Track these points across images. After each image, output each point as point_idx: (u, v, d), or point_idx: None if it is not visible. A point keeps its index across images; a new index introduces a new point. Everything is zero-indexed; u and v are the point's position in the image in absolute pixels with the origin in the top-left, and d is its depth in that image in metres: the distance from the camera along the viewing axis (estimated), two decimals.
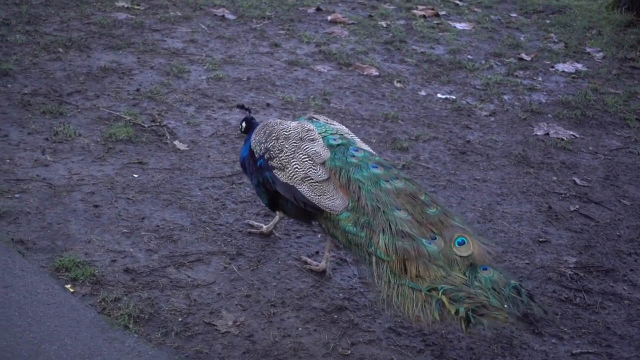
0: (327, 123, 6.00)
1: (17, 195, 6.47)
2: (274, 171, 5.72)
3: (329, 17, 12.36)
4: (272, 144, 5.80)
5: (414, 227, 5.16)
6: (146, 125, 7.89)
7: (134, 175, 7.00)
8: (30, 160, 7.05)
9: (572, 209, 7.25)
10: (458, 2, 14.38)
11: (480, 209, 7.10)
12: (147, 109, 8.29)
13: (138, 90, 8.80)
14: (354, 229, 5.30)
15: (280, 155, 5.70)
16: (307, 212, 5.66)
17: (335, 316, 5.43)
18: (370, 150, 5.83)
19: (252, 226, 6.46)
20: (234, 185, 6.96)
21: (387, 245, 5.08)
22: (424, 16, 13.14)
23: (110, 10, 11.54)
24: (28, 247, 5.80)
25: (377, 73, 10.16)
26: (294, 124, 5.93)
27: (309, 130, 5.80)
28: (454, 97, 9.66)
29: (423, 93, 9.71)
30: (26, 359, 4.70)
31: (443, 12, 13.49)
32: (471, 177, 7.68)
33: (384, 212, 5.24)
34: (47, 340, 4.85)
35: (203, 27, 11.30)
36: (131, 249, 5.90)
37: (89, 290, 5.38)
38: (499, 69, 10.91)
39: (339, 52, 10.75)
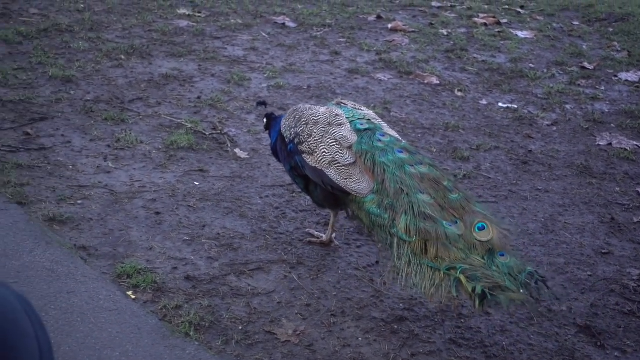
0: (355, 108, 6.13)
1: (79, 202, 6.53)
2: (303, 155, 5.88)
3: (390, 25, 12.33)
4: (301, 128, 5.96)
5: (436, 210, 5.29)
6: (207, 133, 7.93)
7: (195, 182, 7.03)
8: (92, 167, 7.11)
9: (635, 220, 7.16)
10: (520, 10, 14.29)
11: (542, 219, 7.03)
12: (208, 116, 8.33)
13: (199, 97, 8.85)
14: (378, 210, 5.45)
15: (309, 139, 5.86)
16: (335, 196, 5.83)
17: (396, 326, 5.41)
18: (397, 135, 5.97)
19: (312, 235, 6.48)
20: (294, 194, 6.97)
21: (408, 226, 5.23)
22: (485, 24, 13.06)
23: (172, 18, 11.62)
24: (90, 254, 5.85)
25: (437, 82, 10.12)
26: (322, 109, 6.08)
27: (337, 115, 5.94)
28: (515, 106, 9.59)
29: (484, 102, 9.65)
30: None
31: (504, 20, 13.41)
32: (533, 187, 7.61)
33: (407, 194, 5.38)
34: (109, 347, 4.88)
35: (264, 34, 11.33)
36: (192, 257, 5.92)
37: (150, 297, 5.41)
38: (561, 78, 10.82)
39: (400, 60, 10.72)
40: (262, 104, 6.81)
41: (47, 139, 7.57)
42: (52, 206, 6.41)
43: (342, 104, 6.20)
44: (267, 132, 6.64)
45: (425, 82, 10.10)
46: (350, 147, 5.74)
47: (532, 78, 10.64)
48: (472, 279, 4.92)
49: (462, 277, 4.94)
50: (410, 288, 5.39)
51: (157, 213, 6.48)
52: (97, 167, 7.13)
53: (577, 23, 13.90)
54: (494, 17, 13.46)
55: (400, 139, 5.95)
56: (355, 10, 13.00)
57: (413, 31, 12.20)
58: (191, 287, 5.55)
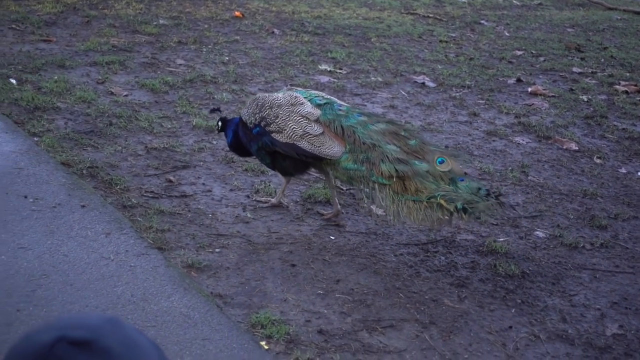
0: (307, 90, 7.41)
1: (217, 250, 6.67)
2: (272, 135, 6.97)
3: (529, 89, 12.25)
4: (266, 112, 7.01)
5: (404, 154, 6.66)
6: (344, 188, 8.00)
7: (331, 237, 7.11)
8: (231, 216, 7.26)
9: None
10: None
11: None
12: None
13: None
14: (355, 165, 6.73)
15: (277, 120, 6.95)
16: (304, 164, 7.10)
17: None
18: (349, 105, 7.34)
19: (260, 202, 7.60)
20: (428, 254, 6.97)
21: (388, 171, 6.57)
22: (627, 92, 12.87)
23: (314, 73, 11.78)
24: (226, 302, 5.96)
25: (576, 147, 10.01)
26: (280, 94, 7.21)
27: (296, 97, 7.06)
28: None
29: (623, 170, 9.50)
30: None
31: None
32: None
33: (379, 146, 6.70)
34: None
35: (403, 93, 11.40)
36: (325, 311, 5.98)
37: (282, 349, 5.47)
38: None
39: (538, 124, 10.65)
40: (217, 110, 7.84)
41: (188, 186, 7.76)
42: (191, 253, 6.56)
43: (294, 88, 7.46)
44: (222, 133, 7.70)
45: (564, 147, 10.00)
46: (317, 120, 6.89)
47: None
48: (450, 201, 6.36)
49: (442, 201, 6.37)
50: (399, 221, 6.80)
51: (293, 265, 6.56)
52: (236, 216, 7.27)
53: None
54: (635, 85, 13.26)
55: (354, 106, 7.63)
56: (495, 72, 12.96)
57: (553, 96, 12.09)
58: (323, 341, 5.60)
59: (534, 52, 14.69)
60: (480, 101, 11.44)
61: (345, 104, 7.19)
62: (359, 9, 16.82)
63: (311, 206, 7.60)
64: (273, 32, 13.96)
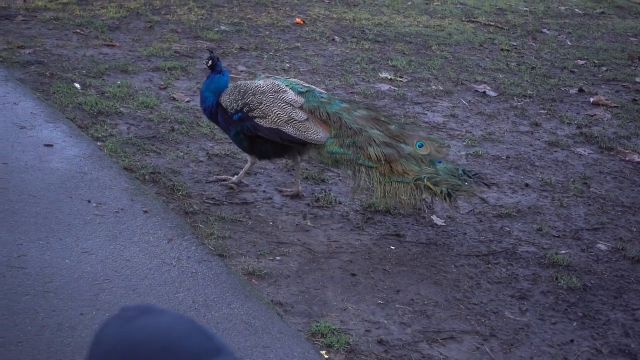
0: (287, 79, 7.67)
1: (278, 258, 6.69)
2: (255, 120, 7.23)
3: (592, 99, 12.12)
4: (250, 99, 7.25)
5: (388, 139, 7.09)
6: (404, 198, 7.98)
7: (391, 247, 7.10)
8: (292, 225, 7.28)
9: None
10: None
11: None
12: None
13: None
14: (341, 150, 7.10)
15: (261, 106, 7.21)
16: (283, 149, 7.42)
17: None
18: (329, 93, 7.95)
19: (222, 180, 7.89)
20: (489, 265, 6.93)
21: (377, 154, 6.99)
22: None
23: (374, 82, 11.78)
24: (286, 310, 5.98)
25: (639, 159, 9.89)
26: (262, 82, 7.48)
27: (278, 85, 7.34)
28: None
29: None
30: None
31: None
32: None
33: (365, 131, 7.11)
34: None
35: (464, 102, 11.36)
36: (385, 321, 5.97)
37: (343, 359, 5.48)
38: None
39: (601, 135, 10.54)
40: (210, 52, 7.89)
41: (249, 194, 7.80)
42: (252, 260, 6.59)
43: (274, 77, 7.81)
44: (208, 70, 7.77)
45: (627, 159, 9.88)
46: (301, 107, 7.20)
47: None
48: (436, 184, 6.82)
49: (429, 184, 6.84)
50: (385, 201, 7.25)
51: (353, 275, 6.57)
52: (297, 225, 7.29)
53: None
54: None
55: (334, 94, 8.24)
56: (557, 82, 12.85)
57: (615, 106, 11.94)
58: (383, 352, 5.60)
59: (596, 62, 14.56)
60: (542, 111, 11.35)
61: (325, 92, 7.63)
62: (420, 16, 16.80)
63: (371, 216, 7.60)
64: (334, 39, 13.99)
